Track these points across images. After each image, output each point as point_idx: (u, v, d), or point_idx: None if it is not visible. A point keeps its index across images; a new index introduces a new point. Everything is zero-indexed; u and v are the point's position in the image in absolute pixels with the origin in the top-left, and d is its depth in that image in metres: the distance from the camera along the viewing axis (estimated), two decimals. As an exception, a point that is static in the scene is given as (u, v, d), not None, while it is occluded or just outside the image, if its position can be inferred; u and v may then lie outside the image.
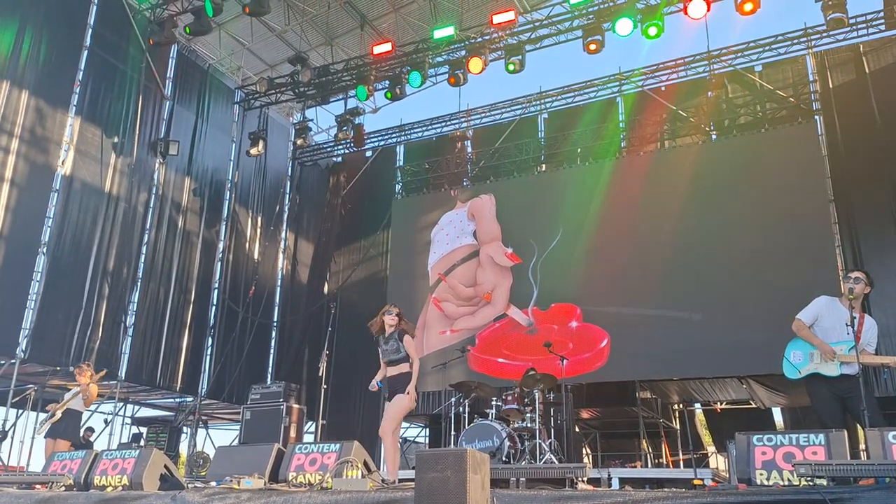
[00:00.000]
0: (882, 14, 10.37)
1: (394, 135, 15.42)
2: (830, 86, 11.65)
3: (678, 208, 11.34)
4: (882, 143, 10.72)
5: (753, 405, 12.02)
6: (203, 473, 10.10)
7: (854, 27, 11.24)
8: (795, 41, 11.91)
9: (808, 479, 3.67)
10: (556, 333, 11.17)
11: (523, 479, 5.39)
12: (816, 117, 11.53)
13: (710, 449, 13.14)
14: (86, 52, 11.91)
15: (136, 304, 12.29)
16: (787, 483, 4.06)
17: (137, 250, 12.45)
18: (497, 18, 11.77)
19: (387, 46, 12.75)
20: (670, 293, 10.95)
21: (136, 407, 14.20)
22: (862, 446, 6.01)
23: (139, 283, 12.41)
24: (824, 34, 11.57)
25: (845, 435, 4.20)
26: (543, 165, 13.79)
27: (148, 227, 12.70)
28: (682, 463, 11.56)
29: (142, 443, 12.47)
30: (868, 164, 10.78)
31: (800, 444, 4.22)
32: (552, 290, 11.81)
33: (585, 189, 12.28)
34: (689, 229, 11.18)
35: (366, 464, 4.91)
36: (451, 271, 13.09)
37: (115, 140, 12.17)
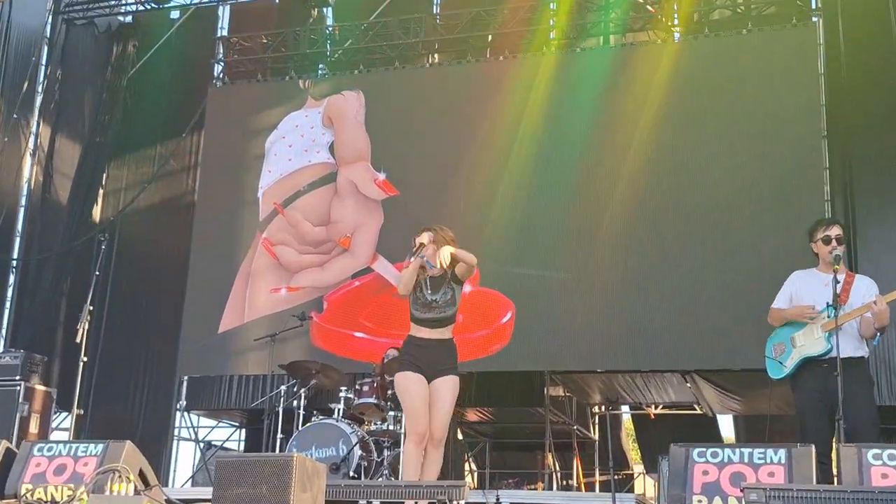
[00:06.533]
0: None
1: (216, -11, 14.99)
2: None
3: (616, 134, 11.57)
4: (897, 63, 11.40)
5: (699, 411, 12.73)
6: None
7: None
8: None
9: (760, 509, 3.93)
10: (440, 300, 11.31)
11: (377, 500, 5.47)
12: (815, 19, 12.07)
13: (638, 468, 13.86)
14: None
15: None
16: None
17: None
18: None
19: None
20: (600, 253, 11.23)
21: None
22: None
23: None
24: None
25: (812, 451, 4.51)
26: (436, 56, 13.76)
27: None
28: (597, 485, 12.14)
29: None
30: (877, 91, 11.41)
31: (754, 461, 4.50)
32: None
33: (496, 94, 12.34)
34: (628, 165, 11.37)
35: (142, 474, 4.85)
36: (292, 201, 12.91)
37: None
